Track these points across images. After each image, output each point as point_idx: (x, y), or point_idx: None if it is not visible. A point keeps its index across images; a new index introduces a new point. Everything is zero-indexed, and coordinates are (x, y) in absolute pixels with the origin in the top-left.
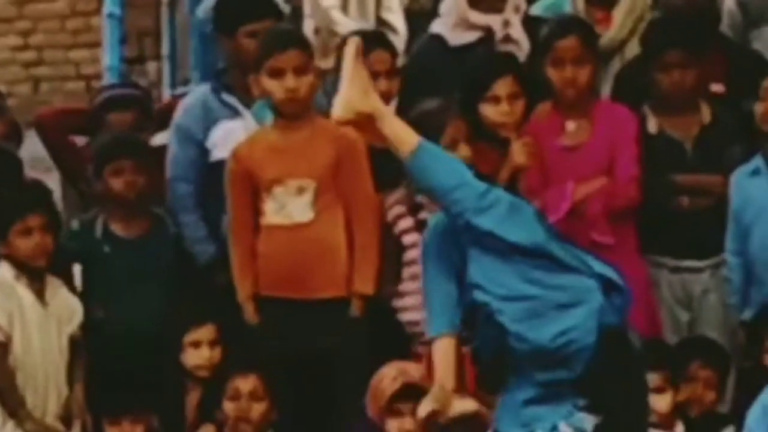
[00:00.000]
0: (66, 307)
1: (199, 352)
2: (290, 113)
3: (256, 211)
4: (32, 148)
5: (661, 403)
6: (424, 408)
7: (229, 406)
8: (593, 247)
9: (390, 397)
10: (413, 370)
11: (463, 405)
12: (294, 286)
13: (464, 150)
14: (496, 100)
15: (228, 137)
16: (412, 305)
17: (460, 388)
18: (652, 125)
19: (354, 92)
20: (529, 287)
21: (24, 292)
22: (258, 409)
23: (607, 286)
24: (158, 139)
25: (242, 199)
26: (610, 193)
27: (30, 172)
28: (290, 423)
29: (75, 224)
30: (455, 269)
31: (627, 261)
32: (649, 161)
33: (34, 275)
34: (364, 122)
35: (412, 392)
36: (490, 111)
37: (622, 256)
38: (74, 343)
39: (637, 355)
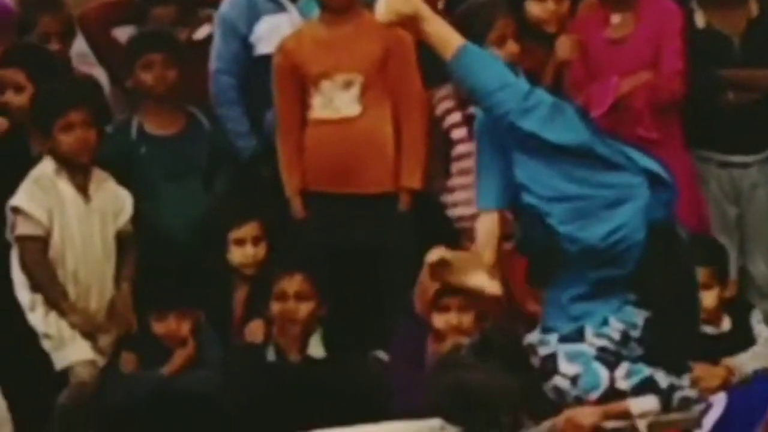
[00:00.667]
0: (112, 202)
1: (243, 250)
2: (337, 7)
3: (303, 106)
4: (81, 43)
5: (708, 299)
6: (434, 254)
7: (276, 307)
8: (639, 141)
9: (436, 293)
10: None
11: (486, 282)
12: (341, 180)
13: (512, 46)
14: None
15: (273, 32)
16: (461, 200)
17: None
18: (700, 20)
19: None
20: (575, 187)
21: (65, 187)
22: (305, 308)
23: (653, 180)
24: (202, 31)
25: (289, 94)
26: (655, 87)
27: (81, 67)
28: (338, 319)
29: (109, 128)
30: (508, 150)
31: (673, 156)
32: (697, 56)
33: (76, 169)
34: (407, 23)
35: (458, 287)
36: (536, 8)
37: (668, 150)
38: (123, 239)
39: (686, 249)
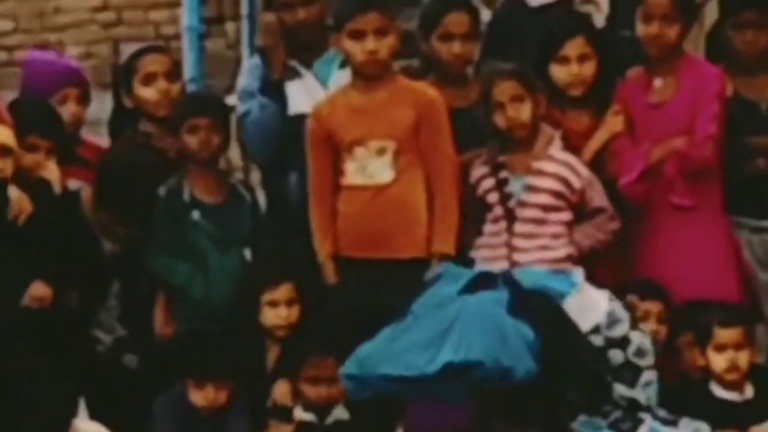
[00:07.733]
0: None
1: (276, 312)
2: (369, 73)
3: (336, 171)
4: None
5: (741, 359)
6: None
7: (311, 391)
8: (673, 210)
9: None
10: None
11: None
12: (374, 246)
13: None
14: (566, 60)
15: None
16: (484, 257)
17: None
18: (728, 87)
19: None
20: None
21: None
22: (338, 388)
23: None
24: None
25: (323, 160)
26: (684, 154)
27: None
28: None
29: (162, 191)
30: None
31: (709, 222)
32: (725, 123)
33: None
34: None
35: None
36: (559, 71)
37: (705, 217)
38: None
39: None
